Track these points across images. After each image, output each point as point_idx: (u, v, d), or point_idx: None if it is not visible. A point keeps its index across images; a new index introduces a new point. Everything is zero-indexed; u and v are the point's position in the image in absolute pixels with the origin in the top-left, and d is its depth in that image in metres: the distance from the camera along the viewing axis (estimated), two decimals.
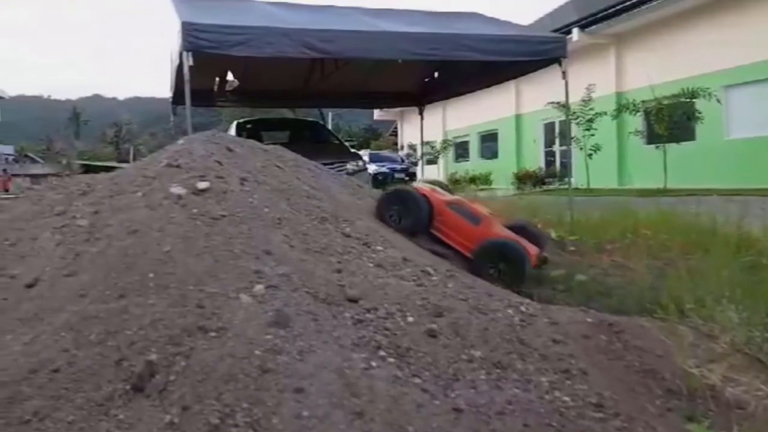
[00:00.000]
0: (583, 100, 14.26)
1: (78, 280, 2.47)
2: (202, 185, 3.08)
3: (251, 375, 1.91)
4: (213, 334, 2.11)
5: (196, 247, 2.63)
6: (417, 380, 2.10)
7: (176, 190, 3.02)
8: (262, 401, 1.83)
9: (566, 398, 2.14)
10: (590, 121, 14.42)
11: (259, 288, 2.40)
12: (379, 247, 3.36)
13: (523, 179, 18.76)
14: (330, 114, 33.10)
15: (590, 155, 14.42)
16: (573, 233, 6.05)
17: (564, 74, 7.00)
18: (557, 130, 18.86)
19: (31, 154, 55.01)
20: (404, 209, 4.39)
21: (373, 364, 2.12)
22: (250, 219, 2.99)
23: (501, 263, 4.10)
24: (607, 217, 6.62)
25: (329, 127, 14.90)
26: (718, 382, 2.42)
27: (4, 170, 33.48)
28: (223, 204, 3.03)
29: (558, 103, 12.65)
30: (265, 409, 1.80)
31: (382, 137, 39.24)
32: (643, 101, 14.10)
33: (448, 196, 4.86)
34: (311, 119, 13.23)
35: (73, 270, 2.55)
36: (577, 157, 14.26)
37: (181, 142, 4.00)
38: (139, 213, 2.89)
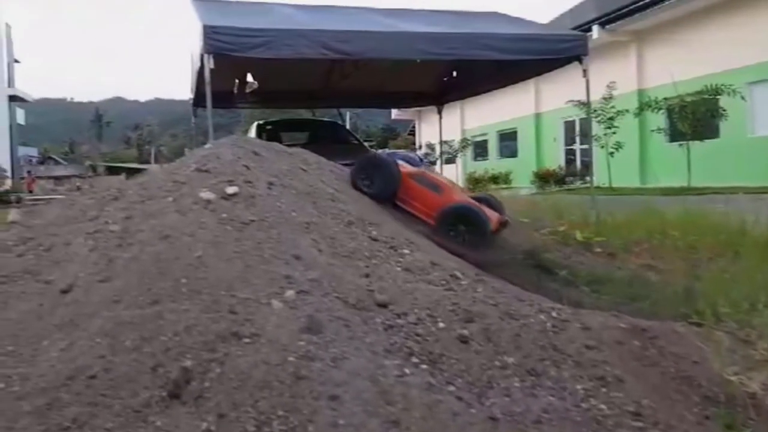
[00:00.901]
0: (604, 98, 14.08)
1: (112, 286, 2.48)
2: (230, 190, 3.10)
3: (286, 382, 1.91)
4: (247, 340, 2.10)
5: (227, 252, 2.64)
6: (451, 388, 2.08)
7: (206, 195, 3.03)
8: (297, 409, 1.82)
9: (603, 406, 2.10)
10: (611, 119, 14.24)
11: (290, 293, 2.40)
12: (405, 251, 3.34)
13: (544, 178, 18.60)
14: (348, 114, 33.13)
15: (612, 153, 14.25)
16: (599, 234, 5.96)
17: (585, 72, 6.91)
18: (578, 128, 18.67)
19: (54, 156, 56.18)
20: (377, 174, 4.58)
21: (407, 371, 2.10)
22: (279, 223, 3.00)
23: (461, 225, 4.30)
24: (632, 217, 6.52)
25: (347, 126, 14.89)
26: (759, 389, 2.36)
27: (29, 172, 34.13)
28: (252, 209, 3.04)
29: (578, 101, 12.51)
30: (300, 417, 1.79)
31: (400, 137, 39.20)
32: (665, 98, 13.86)
33: (411, 168, 5.07)
34: (330, 119, 13.23)
35: (107, 275, 2.57)
36: (598, 156, 14.09)
37: (208, 146, 4.03)
38: (170, 218, 2.90)
